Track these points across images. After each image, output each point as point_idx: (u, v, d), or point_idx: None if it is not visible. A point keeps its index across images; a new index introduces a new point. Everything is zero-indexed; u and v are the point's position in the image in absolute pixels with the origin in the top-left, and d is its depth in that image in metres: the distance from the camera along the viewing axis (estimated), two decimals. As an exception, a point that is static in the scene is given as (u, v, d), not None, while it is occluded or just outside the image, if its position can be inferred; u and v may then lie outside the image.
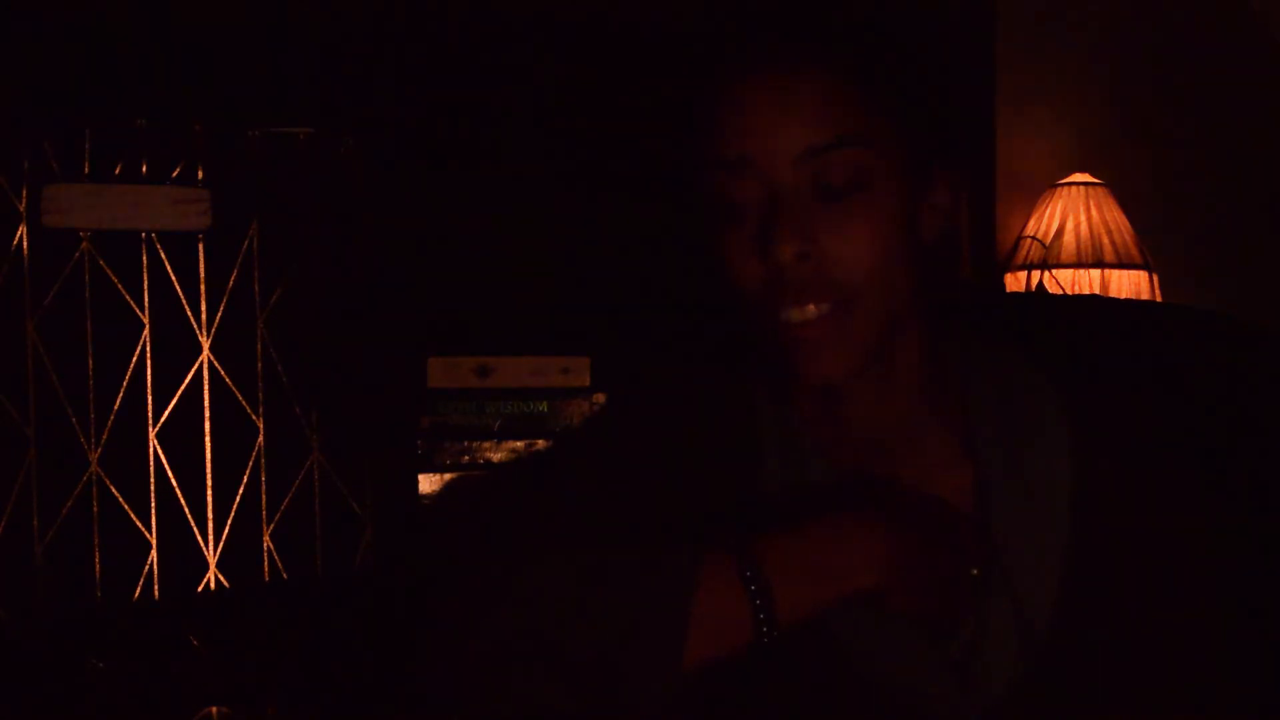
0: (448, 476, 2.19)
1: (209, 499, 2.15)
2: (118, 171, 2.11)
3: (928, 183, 0.98)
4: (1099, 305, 1.19)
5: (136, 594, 2.10)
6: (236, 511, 2.16)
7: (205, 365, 2.15)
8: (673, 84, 1.02)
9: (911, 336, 0.99)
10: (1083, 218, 2.50)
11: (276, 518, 2.17)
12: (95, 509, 2.08)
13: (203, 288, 2.16)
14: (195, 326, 2.15)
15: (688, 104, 0.97)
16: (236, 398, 2.16)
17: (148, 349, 2.12)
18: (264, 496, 2.17)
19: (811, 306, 0.93)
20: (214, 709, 1.64)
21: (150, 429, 2.12)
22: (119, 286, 2.11)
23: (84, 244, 2.09)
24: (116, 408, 2.10)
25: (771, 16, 0.95)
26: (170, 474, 2.13)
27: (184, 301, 2.15)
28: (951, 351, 1.03)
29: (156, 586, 2.11)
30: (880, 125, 0.93)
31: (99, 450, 2.09)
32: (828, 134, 0.92)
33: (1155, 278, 2.51)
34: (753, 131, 0.93)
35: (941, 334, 1.02)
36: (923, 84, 0.97)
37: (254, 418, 2.17)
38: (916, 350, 1.00)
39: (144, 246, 2.13)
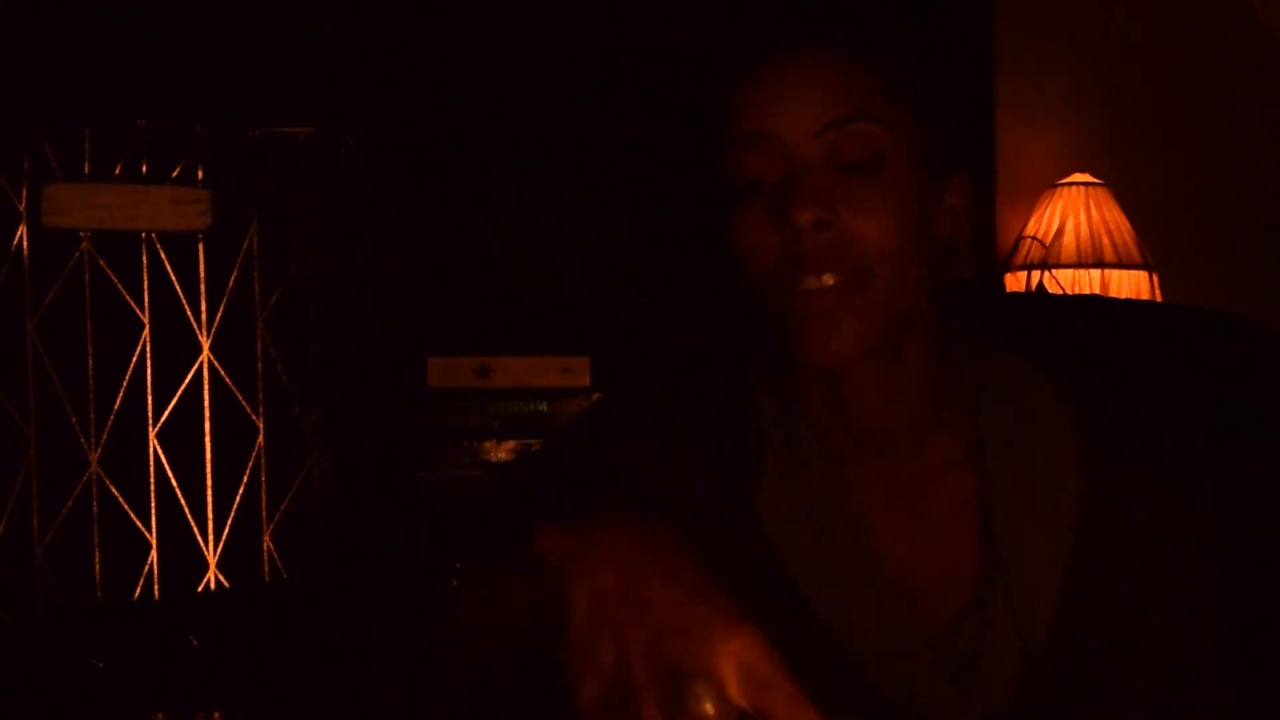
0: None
1: (209, 499, 2.15)
2: (118, 171, 2.11)
3: (942, 180, 0.99)
4: (1104, 306, 1.18)
5: (136, 594, 2.10)
6: (236, 511, 2.16)
7: (205, 365, 2.15)
8: (688, 70, 1.05)
9: (920, 334, 0.99)
10: (1083, 218, 2.49)
11: (276, 518, 2.18)
12: (95, 509, 2.08)
13: (203, 288, 2.16)
14: (195, 326, 2.15)
15: (709, 84, 0.99)
16: (236, 398, 2.16)
17: (148, 349, 2.12)
18: (264, 496, 2.17)
19: (828, 276, 0.94)
20: (214, 710, 1.63)
21: (150, 429, 2.12)
22: (119, 286, 2.11)
23: (84, 244, 2.09)
24: (116, 408, 2.10)
25: (795, 3, 0.99)
26: (170, 474, 2.13)
27: (184, 301, 2.15)
28: (959, 353, 1.02)
29: (156, 586, 2.11)
30: (897, 108, 0.96)
31: (99, 450, 2.09)
32: (848, 108, 0.95)
33: (1155, 278, 2.51)
34: (775, 107, 0.95)
35: (949, 335, 1.02)
36: (934, 77, 1.00)
37: (254, 418, 2.17)
38: (924, 348, 0.99)
39: (144, 246, 2.13)
